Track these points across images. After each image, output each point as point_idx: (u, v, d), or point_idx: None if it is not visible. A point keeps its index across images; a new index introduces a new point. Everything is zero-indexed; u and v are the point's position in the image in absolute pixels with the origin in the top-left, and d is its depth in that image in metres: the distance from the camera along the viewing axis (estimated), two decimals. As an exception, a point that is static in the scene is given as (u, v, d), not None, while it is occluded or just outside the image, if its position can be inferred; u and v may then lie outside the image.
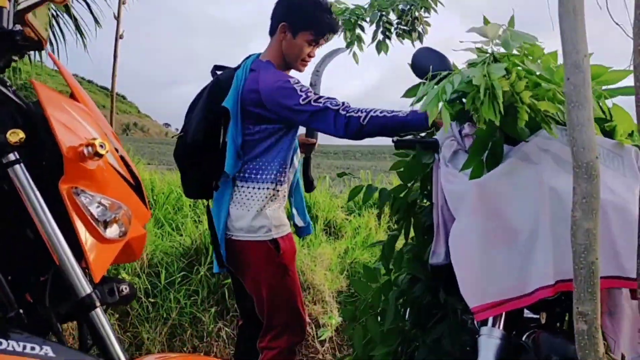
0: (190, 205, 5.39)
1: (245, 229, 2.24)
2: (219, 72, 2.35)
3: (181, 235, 4.05)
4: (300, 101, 2.08)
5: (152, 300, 3.32)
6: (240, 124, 2.20)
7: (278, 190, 2.26)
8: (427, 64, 1.71)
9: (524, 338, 1.24)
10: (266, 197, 2.24)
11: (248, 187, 2.24)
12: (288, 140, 2.27)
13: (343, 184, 6.37)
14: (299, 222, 2.45)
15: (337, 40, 2.80)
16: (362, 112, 2.01)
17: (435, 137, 1.61)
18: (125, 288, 0.90)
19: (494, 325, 1.27)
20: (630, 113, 1.38)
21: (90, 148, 0.83)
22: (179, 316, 3.30)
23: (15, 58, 0.93)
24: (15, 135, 0.80)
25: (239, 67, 2.28)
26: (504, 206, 1.25)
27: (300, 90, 2.10)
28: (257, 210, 2.23)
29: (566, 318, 1.44)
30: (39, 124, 0.82)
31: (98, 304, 0.84)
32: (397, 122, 1.97)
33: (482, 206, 1.26)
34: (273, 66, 2.24)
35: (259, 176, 2.23)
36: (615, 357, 1.23)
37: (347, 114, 2.02)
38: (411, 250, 1.59)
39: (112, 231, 0.85)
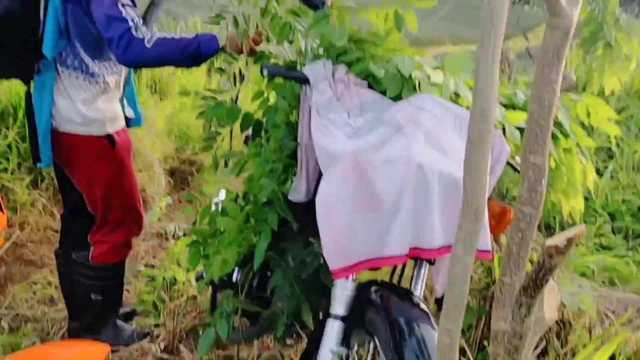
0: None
1: (76, 122, 2.06)
2: None
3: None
4: None
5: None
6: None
7: (109, 82, 2.08)
8: None
9: (372, 293, 1.37)
10: (96, 90, 2.06)
11: (74, 76, 2.02)
12: None
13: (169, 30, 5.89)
14: (129, 114, 2.28)
15: None
16: (148, 34, 1.84)
17: (304, 70, 1.55)
18: None
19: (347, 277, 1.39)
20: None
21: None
22: (-14, 187, 2.98)
23: None
24: None
25: None
26: (373, 175, 1.30)
27: None
28: (87, 102, 2.05)
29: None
30: None
31: None
32: (184, 45, 1.84)
33: (354, 174, 1.29)
34: None
35: (88, 66, 2.01)
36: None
37: (135, 34, 1.82)
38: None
39: None
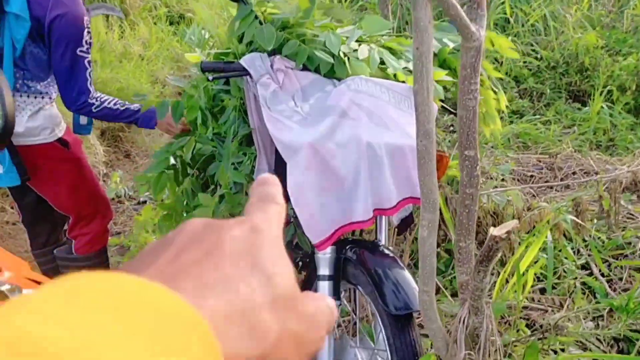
0: None
1: (23, 134, 2.12)
2: None
3: None
4: (78, 51, 1.96)
5: None
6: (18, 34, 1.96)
7: (53, 97, 2.16)
8: None
9: (348, 252, 1.64)
10: (42, 104, 2.13)
11: (25, 96, 2.09)
12: None
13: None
14: (83, 121, 2.35)
15: None
16: (97, 101, 2.10)
17: (241, 62, 1.68)
18: None
19: (325, 243, 1.65)
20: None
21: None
22: None
23: None
24: None
25: None
26: (331, 160, 1.51)
27: (86, 42, 1.98)
28: (34, 115, 2.12)
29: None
30: None
31: None
32: (125, 118, 2.16)
33: (314, 162, 1.50)
34: None
35: (36, 87, 2.07)
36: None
37: (88, 98, 2.08)
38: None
39: None
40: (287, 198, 1.65)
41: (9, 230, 3.19)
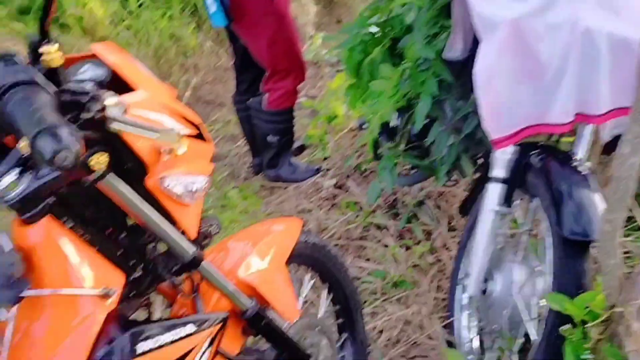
0: None
1: None
2: None
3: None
4: None
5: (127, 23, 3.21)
6: None
7: None
8: None
9: (532, 157, 1.40)
10: None
11: None
12: None
13: None
14: None
15: None
16: None
17: None
18: (215, 228, 0.98)
19: (507, 141, 1.42)
20: None
21: (169, 153, 0.80)
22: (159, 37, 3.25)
23: None
24: (99, 163, 0.75)
25: None
26: (534, 43, 1.25)
27: None
28: None
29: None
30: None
31: (203, 257, 0.95)
32: None
33: (513, 44, 1.26)
34: None
35: None
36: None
37: None
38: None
39: (197, 196, 0.89)
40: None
41: (220, 74, 3.43)
